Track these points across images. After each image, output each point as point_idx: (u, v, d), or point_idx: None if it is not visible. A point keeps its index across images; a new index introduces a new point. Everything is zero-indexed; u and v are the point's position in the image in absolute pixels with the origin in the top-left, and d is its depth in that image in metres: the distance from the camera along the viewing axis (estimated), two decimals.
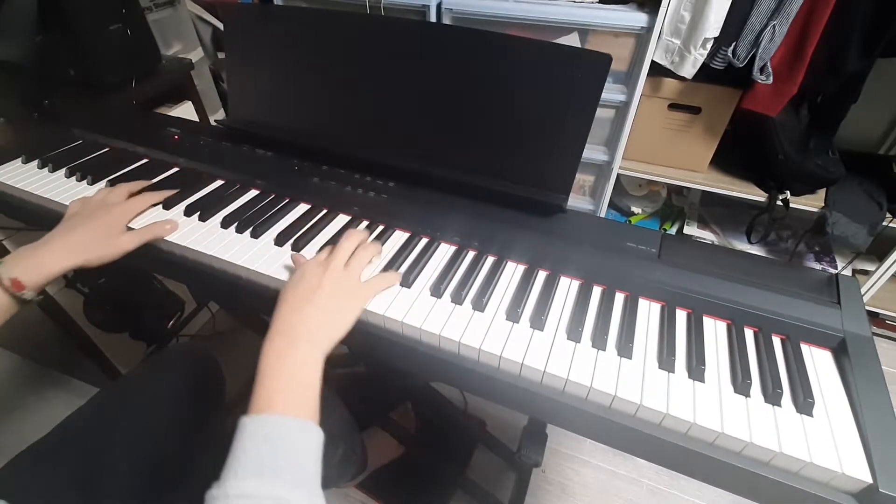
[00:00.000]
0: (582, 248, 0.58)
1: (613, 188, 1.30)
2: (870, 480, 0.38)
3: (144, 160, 0.76)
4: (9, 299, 0.51)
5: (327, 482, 0.90)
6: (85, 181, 0.70)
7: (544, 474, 1.09)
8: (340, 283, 0.49)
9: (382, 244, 0.60)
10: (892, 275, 1.20)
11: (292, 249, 0.59)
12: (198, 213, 0.64)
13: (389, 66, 0.63)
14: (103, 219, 0.58)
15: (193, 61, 1.22)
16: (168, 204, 0.65)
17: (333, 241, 0.59)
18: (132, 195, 0.64)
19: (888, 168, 1.21)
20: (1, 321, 0.51)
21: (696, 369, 0.46)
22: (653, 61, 1.06)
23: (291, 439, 0.38)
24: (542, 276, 0.57)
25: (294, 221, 0.63)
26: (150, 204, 0.64)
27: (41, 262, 0.53)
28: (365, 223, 0.63)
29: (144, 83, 1.08)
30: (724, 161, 1.25)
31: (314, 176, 0.69)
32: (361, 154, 0.67)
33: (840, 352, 0.49)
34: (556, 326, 0.51)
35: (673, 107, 1.18)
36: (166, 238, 0.60)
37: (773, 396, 0.44)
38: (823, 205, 1.16)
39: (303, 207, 0.66)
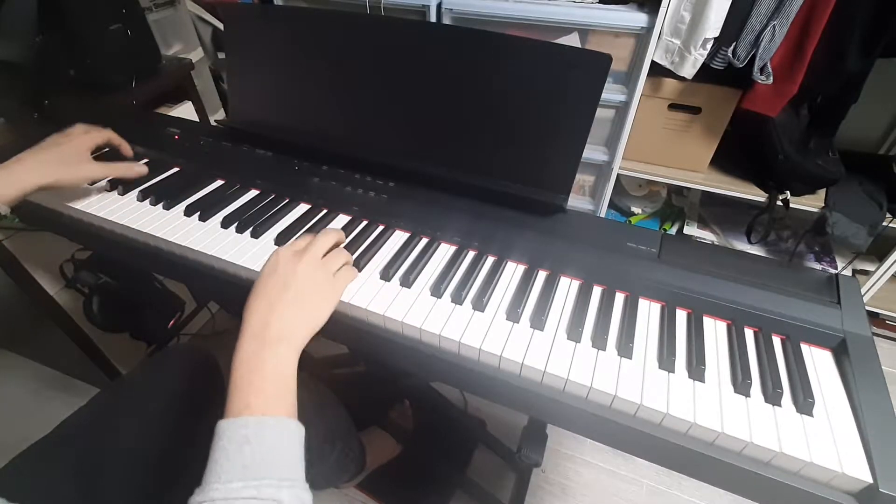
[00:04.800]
0: (582, 248, 0.58)
1: (613, 188, 1.30)
2: (870, 480, 0.38)
3: (144, 160, 0.76)
4: None
5: (326, 481, 0.90)
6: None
7: (544, 474, 1.09)
8: (316, 275, 0.48)
9: (382, 244, 0.60)
10: (893, 275, 1.20)
11: None
12: (198, 213, 0.64)
13: (389, 67, 0.63)
14: (68, 145, 0.63)
15: (193, 61, 1.22)
16: (168, 204, 0.65)
17: None
18: (90, 130, 0.68)
19: (888, 168, 1.21)
20: None
21: (696, 369, 0.46)
22: (653, 61, 1.06)
23: (273, 438, 0.38)
24: (542, 276, 0.57)
25: (294, 221, 0.63)
26: (107, 139, 0.69)
27: (14, 177, 0.57)
28: (365, 223, 0.63)
29: (144, 83, 1.08)
30: (724, 161, 1.25)
31: (314, 176, 0.69)
32: (361, 154, 0.67)
33: (840, 352, 0.49)
34: (556, 326, 0.51)
35: (673, 107, 1.18)
36: (166, 238, 0.60)
37: (773, 396, 0.44)
38: (823, 205, 1.16)
39: (303, 207, 0.66)
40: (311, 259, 0.49)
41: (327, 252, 0.51)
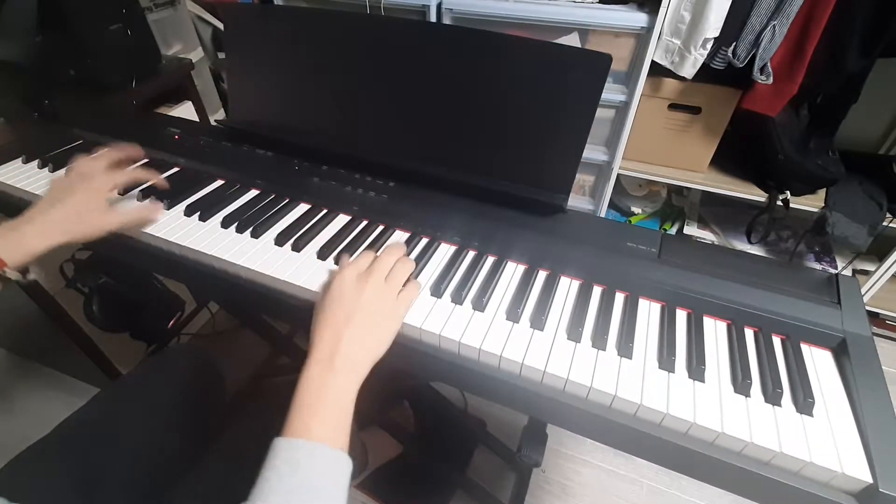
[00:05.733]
0: (582, 248, 0.58)
1: (613, 188, 1.30)
2: (870, 480, 0.38)
3: (145, 160, 0.76)
4: None
5: None
6: None
7: (544, 474, 1.09)
8: (381, 300, 0.47)
9: (383, 245, 0.60)
10: (893, 275, 1.20)
11: (292, 250, 0.59)
12: (198, 213, 0.64)
13: (389, 66, 0.63)
14: (83, 194, 0.57)
15: (193, 61, 1.22)
16: (168, 204, 0.65)
17: (333, 241, 0.59)
18: (113, 164, 0.63)
19: (888, 168, 1.21)
20: None
21: (696, 369, 0.46)
22: (653, 61, 1.06)
23: (323, 468, 0.38)
24: (542, 275, 0.57)
25: (294, 221, 0.63)
26: (134, 179, 0.63)
27: (22, 241, 0.52)
28: (365, 223, 0.63)
29: (144, 83, 1.08)
30: (724, 161, 1.25)
31: (314, 176, 0.69)
32: (361, 154, 0.67)
33: (840, 352, 0.49)
34: (556, 326, 0.51)
35: (673, 107, 1.19)
36: (166, 238, 0.60)
37: (773, 396, 0.44)
38: (823, 205, 1.16)
39: (303, 207, 0.66)
40: (376, 283, 0.48)
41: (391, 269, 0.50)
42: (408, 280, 0.52)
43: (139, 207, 0.59)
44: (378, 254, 0.52)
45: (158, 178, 0.66)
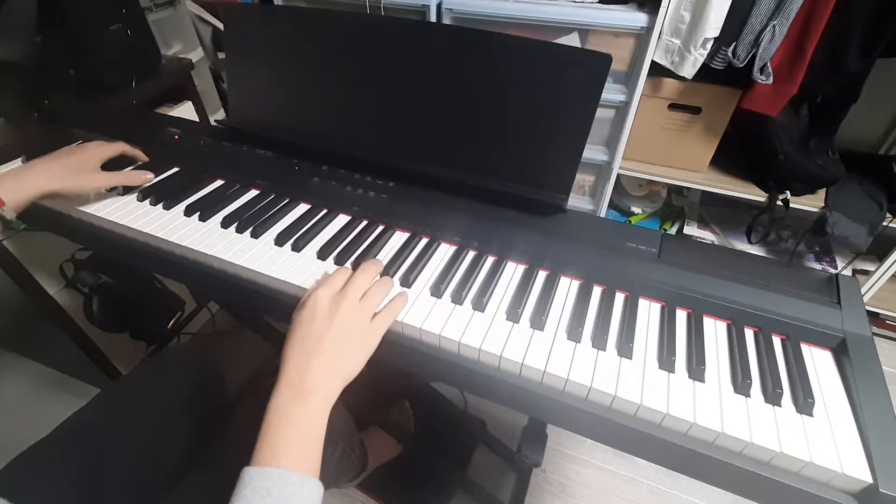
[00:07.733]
0: (582, 248, 0.58)
1: (613, 188, 1.30)
2: (870, 480, 0.38)
3: (144, 160, 0.76)
4: None
5: (327, 482, 0.90)
6: None
7: (544, 474, 1.09)
8: (354, 323, 0.47)
9: (382, 245, 0.60)
10: (893, 275, 1.20)
11: (292, 250, 0.59)
12: (198, 213, 0.64)
13: (389, 66, 0.63)
14: (78, 155, 0.64)
15: (193, 61, 1.22)
16: (168, 204, 0.65)
17: (333, 241, 0.59)
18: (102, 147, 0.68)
19: (888, 168, 1.21)
20: None
21: (696, 369, 0.46)
22: (653, 61, 1.06)
23: (294, 495, 0.38)
24: (542, 276, 0.57)
25: (294, 221, 0.63)
26: (120, 151, 0.69)
27: (20, 182, 0.58)
28: (365, 223, 0.63)
29: (144, 83, 1.08)
30: (724, 161, 1.25)
31: (314, 176, 0.69)
32: (361, 154, 0.67)
33: (840, 352, 0.49)
34: (556, 326, 0.51)
35: (673, 107, 1.19)
36: (166, 238, 0.60)
37: (773, 396, 0.44)
38: (823, 205, 1.16)
39: (303, 207, 0.66)
40: (350, 304, 0.47)
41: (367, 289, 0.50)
42: (397, 295, 0.51)
43: (128, 170, 0.68)
44: (354, 273, 0.51)
45: (142, 155, 0.73)
